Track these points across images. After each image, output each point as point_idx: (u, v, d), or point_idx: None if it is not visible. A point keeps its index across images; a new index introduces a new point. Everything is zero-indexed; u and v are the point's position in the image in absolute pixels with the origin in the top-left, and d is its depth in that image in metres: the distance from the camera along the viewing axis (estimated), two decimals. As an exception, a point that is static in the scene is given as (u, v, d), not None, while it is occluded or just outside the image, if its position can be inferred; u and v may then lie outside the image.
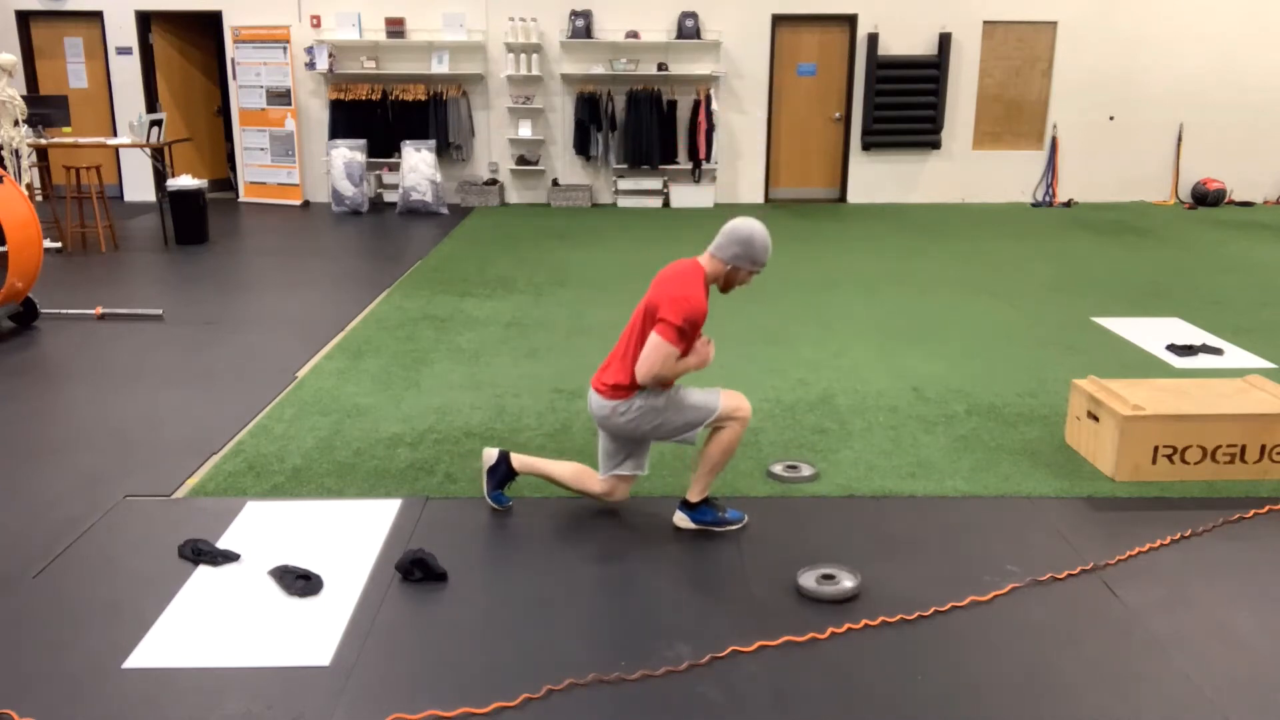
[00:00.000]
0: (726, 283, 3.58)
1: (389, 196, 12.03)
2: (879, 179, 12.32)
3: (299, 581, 3.31)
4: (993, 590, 3.33)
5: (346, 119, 11.76)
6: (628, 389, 3.55)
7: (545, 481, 4.04)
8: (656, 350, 3.42)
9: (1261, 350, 6.08)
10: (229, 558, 3.51)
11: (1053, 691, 2.80)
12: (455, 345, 6.11)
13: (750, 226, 3.49)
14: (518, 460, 3.86)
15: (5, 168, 8.82)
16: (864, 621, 3.13)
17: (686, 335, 3.44)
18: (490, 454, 3.88)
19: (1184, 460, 4.20)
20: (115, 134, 12.02)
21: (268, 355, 5.89)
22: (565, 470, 3.81)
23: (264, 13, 11.69)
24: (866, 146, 12.12)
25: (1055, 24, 11.97)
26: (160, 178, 10.08)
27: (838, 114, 12.18)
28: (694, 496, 3.71)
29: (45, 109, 9.47)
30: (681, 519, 3.75)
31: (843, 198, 12.38)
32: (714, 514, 3.72)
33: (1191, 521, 3.84)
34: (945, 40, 11.77)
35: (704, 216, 11.22)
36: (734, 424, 3.60)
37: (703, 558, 3.55)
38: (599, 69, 11.67)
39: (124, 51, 11.89)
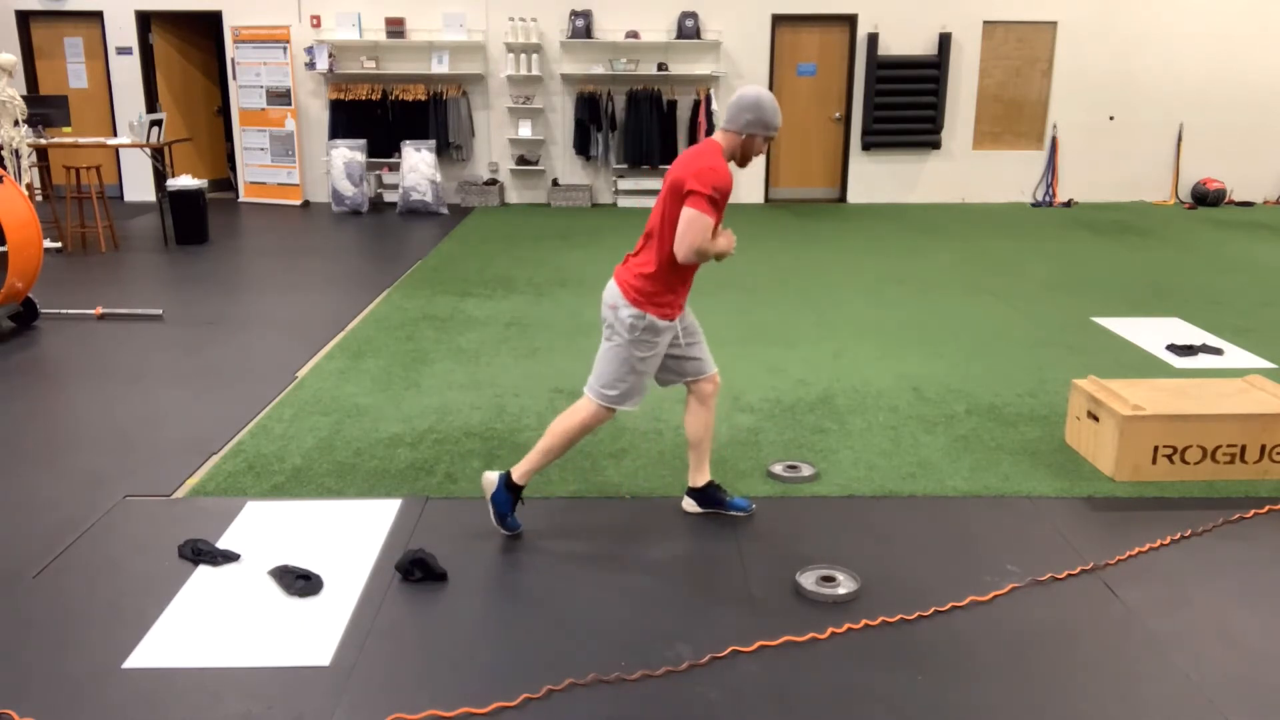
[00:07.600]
0: (744, 154, 3.54)
1: (389, 196, 12.02)
2: (879, 179, 12.31)
3: (299, 581, 3.31)
4: (993, 590, 3.33)
5: (346, 119, 11.76)
6: (651, 278, 3.49)
7: (543, 472, 4.04)
8: (693, 223, 3.37)
9: (1261, 350, 6.08)
10: (229, 558, 3.51)
11: (1053, 691, 2.80)
12: (455, 345, 6.11)
13: (756, 92, 3.48)
14: (518, 472, 3.65)
15: (5, 168, 8.82)
16: (864, 621, 3.13)
17: (718, 204, 3.41)
18: (490, 478, 3.69)
19: (1184, 460, 4.20)
20: (115, 134, 12.02)
21: (268, 355, 5.89)
22: (553, 441, 3.63)
23: (264, 13, 11.69)
24: (866, 146, 12.12)
25: (1055, 24, 11.97)
26: (160, 178, 10.08)
27: (838, 114, 12.18)
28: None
29: (45, 109, 9.47)
30: (689, 504, 3.89)
31: (843, 198, 12.38)
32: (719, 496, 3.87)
33: (1191, 521, 3.84)
34: (945, 40, 11.77)
35: (704, 216, 11.20)
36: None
37: (703, 558, 3.55)
38: (599, 69, 11.67)
39: (124, 51, 11.89)
